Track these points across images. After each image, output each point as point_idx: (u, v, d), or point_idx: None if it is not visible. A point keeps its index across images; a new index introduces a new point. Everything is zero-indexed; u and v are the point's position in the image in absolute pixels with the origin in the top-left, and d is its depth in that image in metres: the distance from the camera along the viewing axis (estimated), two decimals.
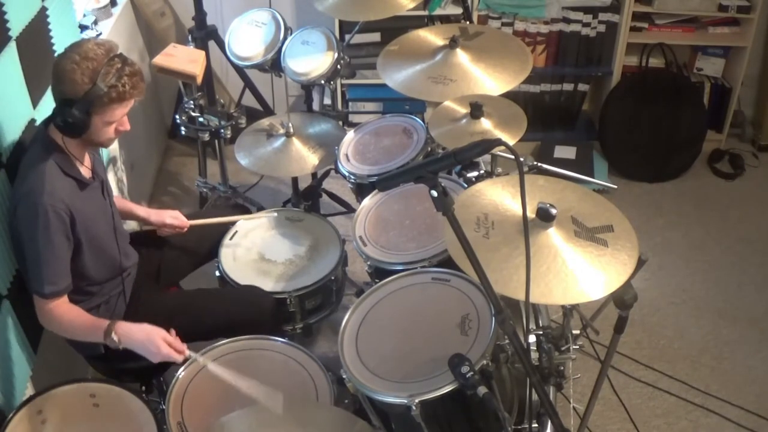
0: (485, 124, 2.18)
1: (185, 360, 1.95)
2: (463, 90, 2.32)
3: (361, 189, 2.48)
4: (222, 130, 3.04)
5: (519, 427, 1.86)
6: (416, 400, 1.59)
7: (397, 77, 2.42)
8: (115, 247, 2.08)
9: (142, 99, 1.92)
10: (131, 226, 2.71)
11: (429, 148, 2.46)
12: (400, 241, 2.23)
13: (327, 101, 3.62)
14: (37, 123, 2.14)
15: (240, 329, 2.09)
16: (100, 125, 1.88)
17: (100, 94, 1.81)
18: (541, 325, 1.98)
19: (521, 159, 1.40)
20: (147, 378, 2.22)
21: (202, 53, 2.84)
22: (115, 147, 3.00)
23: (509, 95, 2.30)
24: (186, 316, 2.16)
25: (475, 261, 1.42)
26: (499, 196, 1.71)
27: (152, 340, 1.89)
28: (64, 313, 1.92)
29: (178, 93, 3.25)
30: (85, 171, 1.99)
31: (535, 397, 1.72)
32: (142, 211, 2.37)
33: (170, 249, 2.39)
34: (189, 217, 2.40)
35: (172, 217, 2.36)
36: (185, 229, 2.37)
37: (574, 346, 1.88)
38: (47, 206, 1.82)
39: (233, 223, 2.48)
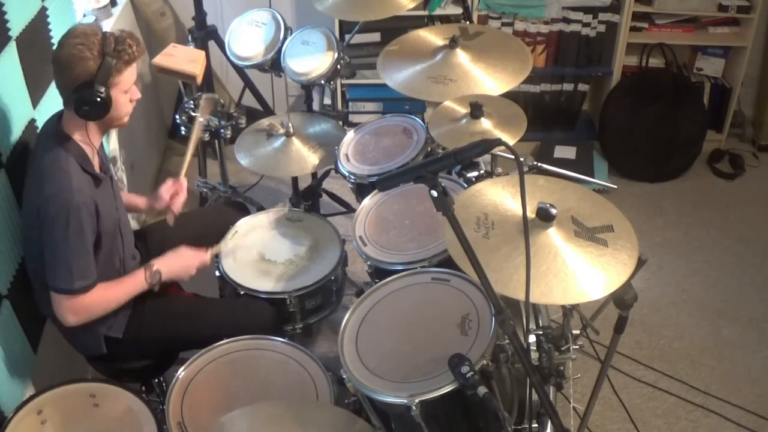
0: (485, 124, 2.18)
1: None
2: (463, 90, 2.32)
3: (361, 189, 2.48)
4: (222, 130, 3.04)
5: (519, 427, 1.86)
6: (416, 400, 1.59)
7: (397, 77, 2.42)
8: (120, 244, 2.08)
9: (145, 57, 1.98)
10: (131, 224, 2.71)
11: (429, 148, 2.46)
12: (400, 241, 2.23)
13: (327, 101, 3.61)
14: (38, 123, 2.15)
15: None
16: (119, 97, 1.92)
17: (113, 63, 1.85)
18: (541, 325, 1.98)
19: (521, 159, 1.40)
20: (147, 378, 2.23)
21: (202, 53, 2.84)
22: (115, 147, 3.00)
23: (509, 95, 2.29)
24: (189, 325, 2.19)
25: (475, 261, 1.42)
26: (499, 196, 1.71)
27: (187, 264, 2.15)
28: (97, 297, 1.93)
29: (178, 93, 3.25)
30: (98, 166, 2.00)
31: (535, 397, 1.72)
32: (142, 202, 2.39)
33: (170, 248, 2.38)
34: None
35: (167, 191, 2.36)
36: (184, 187, 2.39)
37: (574, 346, 1.88)
38: (79, 204, 1.84)
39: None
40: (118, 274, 2.09)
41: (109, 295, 1.98)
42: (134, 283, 2.04)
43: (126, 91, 1.94)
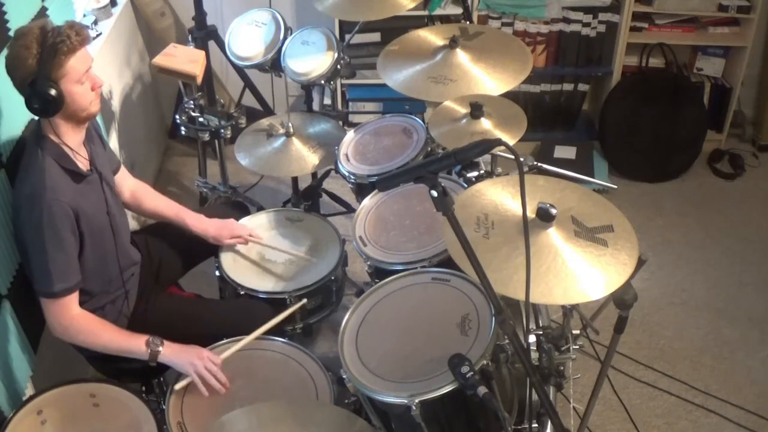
0: (485, 124, 2.18)
1: None
2: (463, 90, 2.32)
3: (361, 189, 2.48)
4: (222, 130, 3.04)
5: (519, 427, 1.86)
6: (416, 400, 1.59)
7: (397, 77, 2.42)
8: (112, 241, 2.07)
9: (89, 44, 1.91)
10: (131, 225, 2.71)
11: (429, 148, 2.46)
12: (400, 241, 2.23)
13: (327, 101, 3.62)
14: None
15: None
16: (72, 88, 1.86)
17: (53, 54, 1.80)
18: (541, 325, 1.98)
19: (521, 159, 1.40)
20: (147, 378, 2.22)
21: (202, 53, 2.84)
22: (115, 147, 3.00)
23: (509, 95, 2.29)
24: (190, 325, 2.18)
25: (475, 261, 1.42)
26: (499, 196, 1.72)
27: (194, 360, 1.94)
28: (88, 324, 1.91)
29: (178, 93, 3.25)
30: (83, 163, 1.98)
31: (535, 397, 1.72)
32: (206, 227, 2.37)
33: (169, 248, 2.38)
34: None
35: (232, 235, 2.37)
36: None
37: (574, 346, 1.88)
38: (51, 203, 1.82)
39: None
40: (117, 271, 2.09)
41: (101, 332, 1.93)
42: (133, 341, 1.96)
43: (79, 81, 1.88)
